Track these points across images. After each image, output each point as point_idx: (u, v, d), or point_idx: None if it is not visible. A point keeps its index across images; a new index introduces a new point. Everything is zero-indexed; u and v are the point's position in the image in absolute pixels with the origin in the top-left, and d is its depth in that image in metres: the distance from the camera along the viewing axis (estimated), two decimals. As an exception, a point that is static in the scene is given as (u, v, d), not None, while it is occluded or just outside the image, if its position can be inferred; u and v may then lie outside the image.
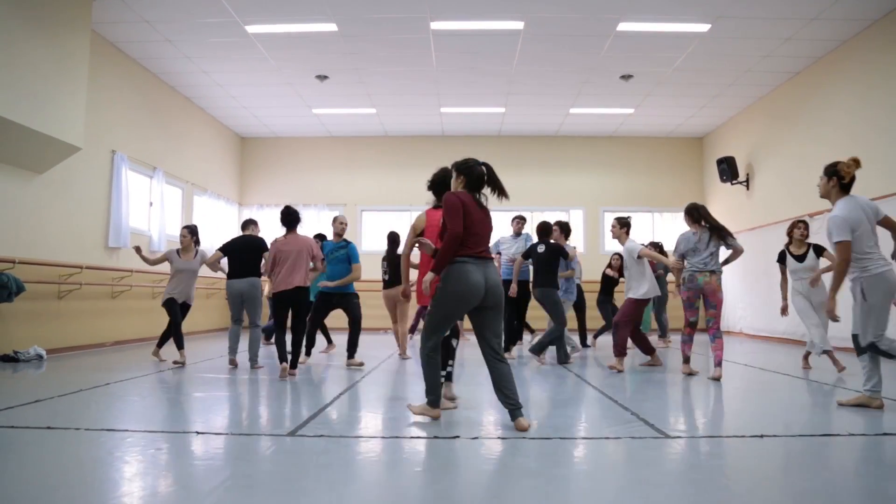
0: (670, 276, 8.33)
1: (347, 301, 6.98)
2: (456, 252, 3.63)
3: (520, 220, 8.38)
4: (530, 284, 7.64)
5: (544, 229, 7.37)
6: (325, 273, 6.79)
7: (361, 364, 6.80)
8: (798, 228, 6.51)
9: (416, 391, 5.08)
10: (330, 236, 7.54)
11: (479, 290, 3.63)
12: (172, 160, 11.02)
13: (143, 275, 9.38)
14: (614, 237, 6.80)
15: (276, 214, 13.37)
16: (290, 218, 6.17)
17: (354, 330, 7.01)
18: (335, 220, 7.19)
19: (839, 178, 4.27)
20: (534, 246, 7.38)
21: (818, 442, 3.39)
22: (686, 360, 6.15)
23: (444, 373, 4.36)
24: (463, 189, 3.81)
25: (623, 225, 6.75)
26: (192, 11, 8.11)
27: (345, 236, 7.21)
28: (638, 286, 6.55)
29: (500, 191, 3.87)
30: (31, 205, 7.54)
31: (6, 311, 7.01)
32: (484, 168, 3.84)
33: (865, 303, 4.11)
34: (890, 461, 3.13)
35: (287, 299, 5.98)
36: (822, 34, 8.65)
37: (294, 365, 6.06)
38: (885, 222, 4.26)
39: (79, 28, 7.41)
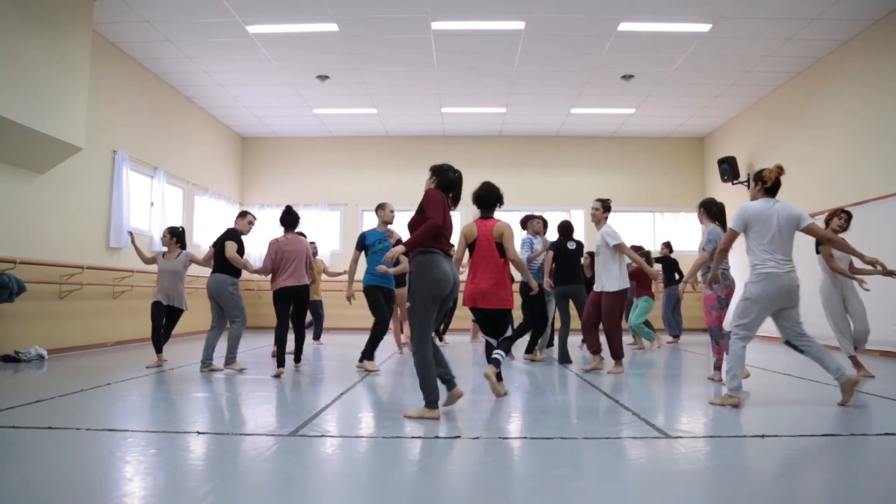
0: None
1: (390, 300, 6.53)
2: (428, 244, 3.92)
3: (539, 220, 7.83)
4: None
5: (569, 227, 7.29)
6: (372, 264, 6.39)
7: (378, 370, 6.34)
8: (839, 218, 6.01)
9: (418, 391, 5.07)
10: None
11: (450, 279, 3.94)
12: (173, 160, 11.03)
13: (143, 275, 9.39)
14: (595, 220, 6.34)
15: (277, 214, 13.36)
16: (290, 218, 6.32)
17: (381, 332, 6.44)
18: (384, 206, 6.55)
19: (763, 183, 4.54)
20: (562, 243, 7.20)
21: (819, 442, 3.38)
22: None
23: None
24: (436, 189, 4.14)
25: (607, 208, 6.33)
26: (193, 11, 8.11)
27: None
28: (611, 279, 6.10)
29: (455, 199, 4.24)
30: (32, 205, 7.55)
31: (7, 311, 7.02)
32: (453, 175, 4.20)
33: (744, 294, 4.41)
34: (891, 461, 3.12)
35: (289, 296, 6.15)
36: (823, 34, 8.65)
37: (298, 358, 6.46)
38: (809, 230, 4.38)
39: (80, 28, 7.42)
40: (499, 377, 4.78)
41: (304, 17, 8.31)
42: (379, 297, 6.39)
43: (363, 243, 6.49)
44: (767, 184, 4.49)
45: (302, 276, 6.17)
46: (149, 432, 3.55)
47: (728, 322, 4.51)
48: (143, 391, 5.03)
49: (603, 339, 6.39)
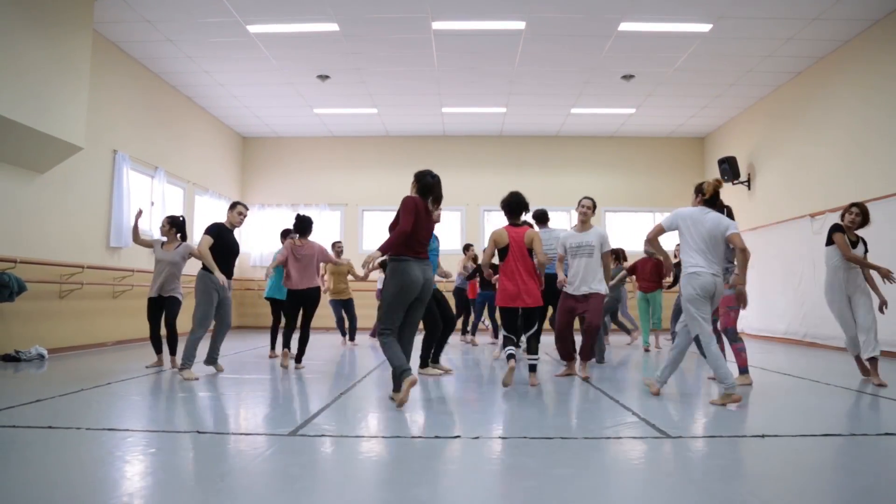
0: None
1: (442, 300, 6.42)
2: (401, 251, 4.40)
3: None
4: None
5: None
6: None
7: (449, 370, 6.19)
8: (849, 213, 5.65)
9: (417, 389, 5.09)
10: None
11: (417, 284, 4.41)
12: (174, 160, 11.03)
13: (144, 274, 9.39)
14: (586, 219, 5.99)
15: (278, 214, 13.38)
16: (303, 225, 6.63)
17: (441, 333, 6.25)
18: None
19: (702, 195, 4.93)
20: None
21: (819, 442, 3.38)
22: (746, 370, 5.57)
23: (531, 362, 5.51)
24: (416, 194, 4.61)
25: (595, 206, 6.10)
26: (194, 11, 8.12)
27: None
28: (598, 281, 5.83)
29: (435, 198, 4.67)
30: (33, 204, 7.56)
31: (8, 310, 7.02)
32: (431, 179, 4.65)
33: (683, 298, 4.75)
34: (891, 461, 3.12)
35: (301, 298, 6.48)
36: (824, 34, 8.65)
37: (299, 360, 6.50)
38: (729, 239, 4.70)
39: (80, 28, 7.42)
40: (533, 368, 5.50)
41: (304, 17, 8.32)
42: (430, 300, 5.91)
43: None
44: (706, 195, 4.88)
45: (313, 279, 6.51)
46: (149, 432, 3.55)
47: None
48: (143, 391, 5.03)
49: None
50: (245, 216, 6.20)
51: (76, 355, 7.69)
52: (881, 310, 5.59)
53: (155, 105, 10.40)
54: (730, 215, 5.73)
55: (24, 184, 7.42)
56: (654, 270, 8.97)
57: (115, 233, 9.06)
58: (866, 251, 5.70)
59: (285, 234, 7.67)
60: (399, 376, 4.26)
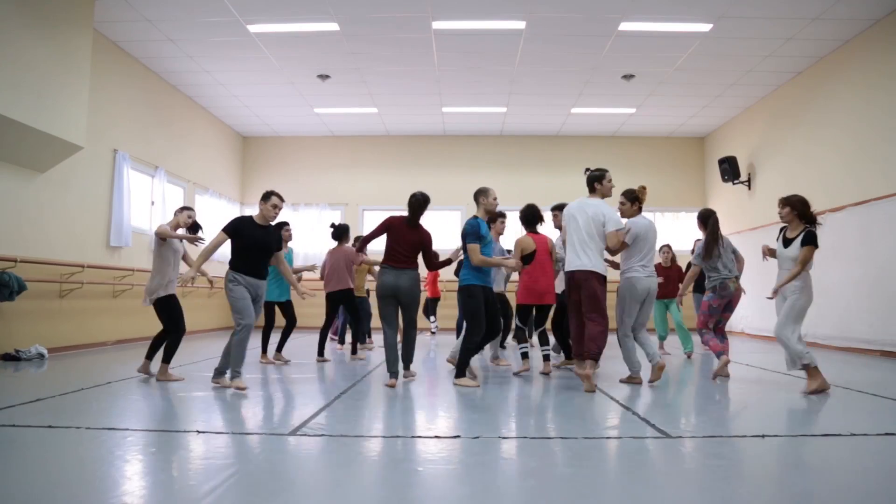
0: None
1: (492, 303, 5.66)
2: (383, 261, 5.36)
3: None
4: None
5: None
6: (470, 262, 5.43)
7: (476, 384, 5.28)
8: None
9: (417, 389, 5.11)
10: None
11: (389, 288, 5.27)
12: (174, 159, 11.03)
13: (144, 274, 9.38)
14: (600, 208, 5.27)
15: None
16: (338, 233, 7.51)
17: (481, 342, 5.55)
18: (486, 193, 5.46)
19: (639, 203, 5.29)
20: None
21: (819, 442, 3.38)
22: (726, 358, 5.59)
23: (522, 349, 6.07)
24: (404, 214, 5.41)
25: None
26: (194, 11, 8.11)
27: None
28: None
29: (412, 215, 5.39)
30: (33, 204, 7.55)
31: (8, 309, 7.02)
32: (414, 199, 5.40)
33: (617, 295, 5.30)
34: (891, 461, 3.12)
35: (335, 298, 7.30)
36: (824, 34, 8.64)
37: (344, 341, 8.16)
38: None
39: (81, 27, 7.42)
40: (547, 357, 6.12)
41: (304, 17, 8.32)
42: (480, 297, 5.34)
43: (479, 233, 5.29)
44: (642, 202, 5.28)
45: (343, 282, 7.25)
46: (149, 431, 3.55)
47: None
48: (143, 390, 5.03)
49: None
50: (280, 208, 5.29)
51: (76, 355, 7.69)
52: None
53: (155, 104, 10.40)
54: (715, 222, 5.82)
55: (24, 183, 7.41)
56: (677, 277, 8.85)
57: (115, 232, 9.06)
58: (810, 244, 4.91)
59: (278, 229, 7.65)
60: (390, 374, 5.34)
